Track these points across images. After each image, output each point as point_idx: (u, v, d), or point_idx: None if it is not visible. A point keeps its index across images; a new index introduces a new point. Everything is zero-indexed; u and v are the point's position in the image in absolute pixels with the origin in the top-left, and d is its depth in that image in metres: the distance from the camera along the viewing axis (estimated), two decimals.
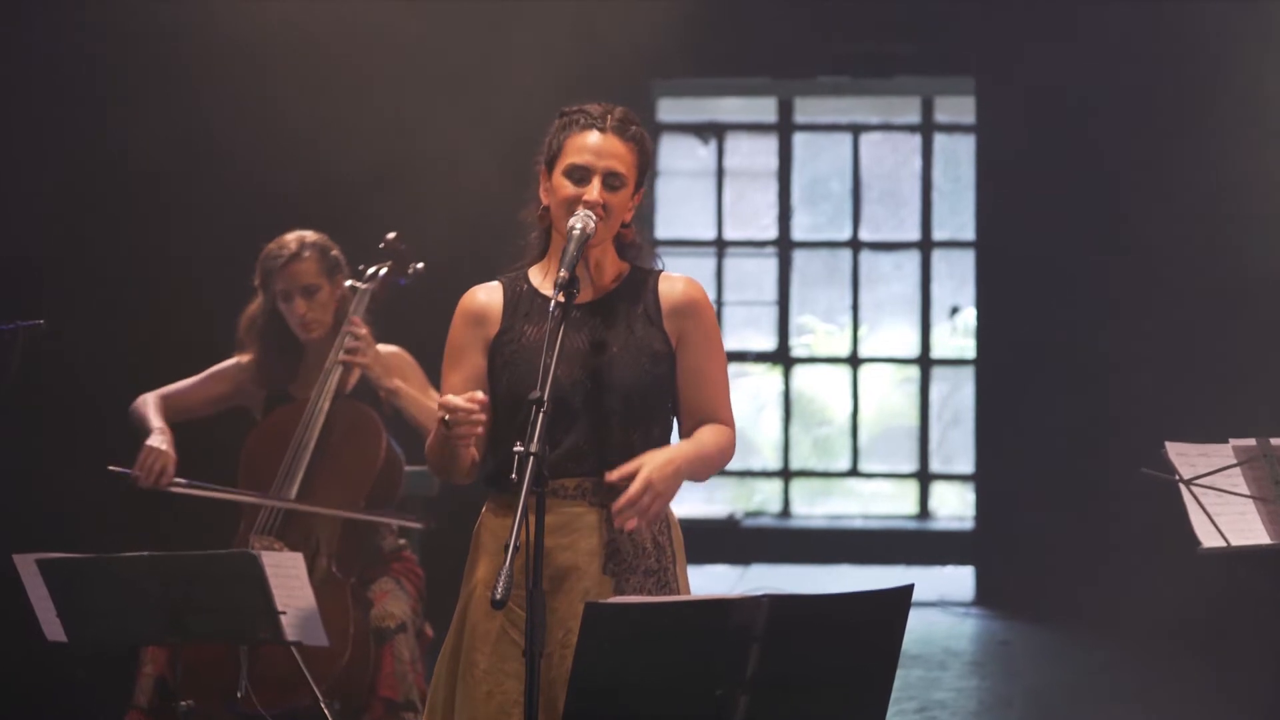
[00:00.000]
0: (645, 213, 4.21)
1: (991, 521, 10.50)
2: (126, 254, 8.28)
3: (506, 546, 3.58)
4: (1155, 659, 8.56)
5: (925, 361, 12.39)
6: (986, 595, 10.35)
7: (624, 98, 4.26)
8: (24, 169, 8.10)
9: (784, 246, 12.45)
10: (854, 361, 12.64)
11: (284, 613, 4.79)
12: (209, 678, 5.26)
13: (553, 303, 3.85)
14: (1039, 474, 9.96)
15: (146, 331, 8.14)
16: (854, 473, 12.73)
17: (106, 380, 7.94)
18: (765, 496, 12.80)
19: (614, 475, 3.90)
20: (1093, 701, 8.09)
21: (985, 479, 10.73)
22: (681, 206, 12.59)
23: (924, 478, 12.51)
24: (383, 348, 5.74)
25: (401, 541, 5.79)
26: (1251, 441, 4.49)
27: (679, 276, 4.15)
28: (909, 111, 12.31)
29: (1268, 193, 9.07)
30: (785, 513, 12.61)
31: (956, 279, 12.41)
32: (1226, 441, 4.53)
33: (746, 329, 12.74)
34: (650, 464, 3.91)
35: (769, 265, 12.51)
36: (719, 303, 12.39)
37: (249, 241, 5.92)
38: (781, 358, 12.64)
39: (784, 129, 12.37)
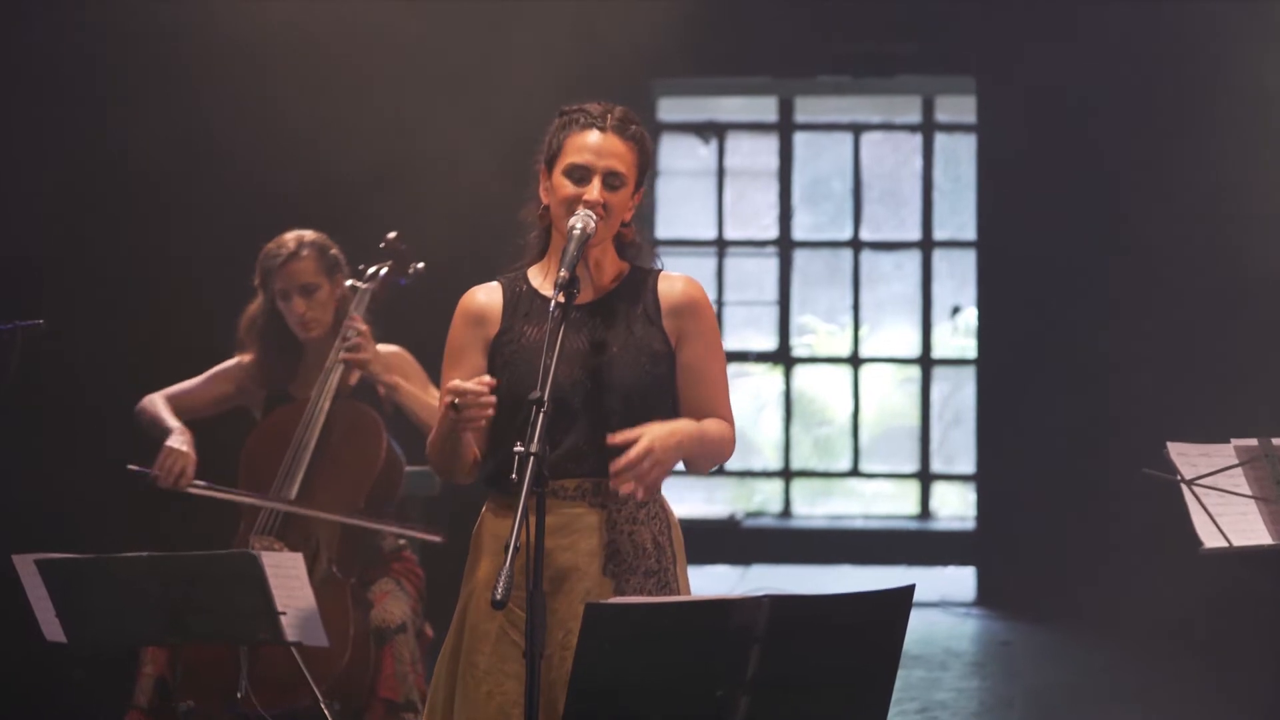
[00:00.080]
0: (646, 212, 4.20)
1: (993, 522, 10.50)
2: (126, 254, 8.28)
3: (507, 547, 3.57)
4: (1156, 659, 8.56)
5: (926, 361, 12.38)
6: (987, 596, 10.35)
7: (624, 97, 4.25)
8: (24, 169, 8.10)
9: (785, 246, 12.44)
10: (855, 361, 12.64)
11: (284, 613, 4.78)
12: (209, 678, 5.26)
13: (553, 303, 3.85)
14: (1040, 474, 9.95)
15: (146, 331, 8.14)
16: (855, 473, 12.73)
17: (106, 380, 7.96)
18: (766, 497, 12.80)
19: (616, 439, 3.89)
20: (1093, 702, 8.08)
21: (986, 479, 10.72)
22: (682, 206, 12.58)
23: (925, 478, 12.50)
24: (383, 347, 5.73)
25: (401, 542, 5.78)
26: (1253, 441, 4.48)
27: (678, 276, 4.14)
28: (910, 111, 12.31)
29: (1268, 193, 9.07)
30: (786, 513, 12.60)
31: (957, 279, 12.41)
32: (1227, 441, 4.53)
33: (747, 329, 12.73)
34: (652, 431, 3.90)
35: (770, 265, 12.51)
36: (719, 303, 12.39)
37: (249, 241, 5.92)
38: (782, 358, 12.64)
39: (785, 128, 12.36)
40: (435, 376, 4.97)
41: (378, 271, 5.87)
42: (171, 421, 5.67)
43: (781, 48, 10.50)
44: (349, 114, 8.42)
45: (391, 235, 5.93)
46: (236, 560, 4.82)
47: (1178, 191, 9.49)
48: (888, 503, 12.80)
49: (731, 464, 12.51)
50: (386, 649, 5.51)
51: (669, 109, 12.27)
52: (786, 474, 12.64)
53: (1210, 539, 4.48)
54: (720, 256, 12.52)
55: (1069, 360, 9.90)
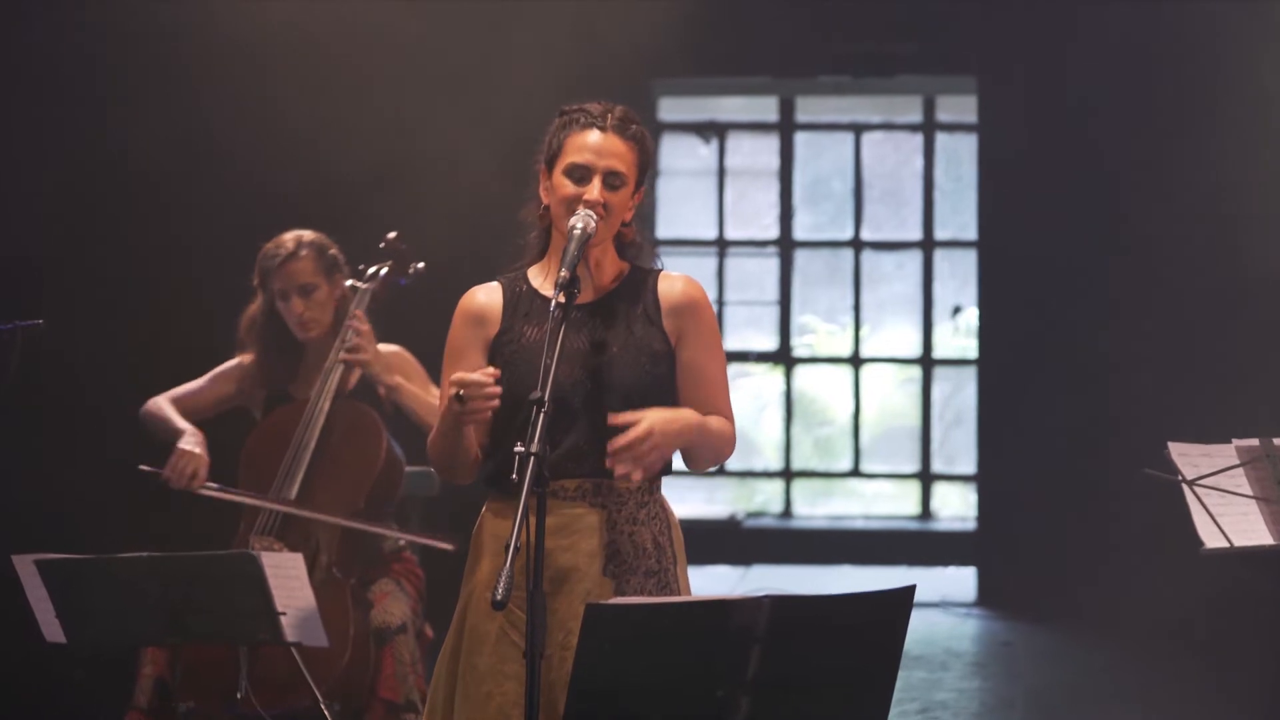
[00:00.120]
0: (646, 212, 4.20)
1: (993, 522, 10.49)
2: (126, 254, 8.28)
3: (507, 547, 3.57)
4: (1156, 659, 8.56)
5: (927, 361, 12.37)
6: (988, 596, 10.34)
7: (624, 97, 4.25)
8: (24, 169, 8.10)
9: (785, 246, 12.44)
10: (856, 361, 12.63)
11: (284, 613, 4.78)
12: (209, 679, 5.26)
13: (553, 303, 3.84)
14: (1041, 474, 9.95)
15: (146, 331, 8.14)
16: (855, 473, 12.72)
17: (106, 380, 7.96)
18: (767, 497, 12.79)
19: (617, 419, 3.89)
20: (1094, 702, 8.08)
21: (987, 479, 10.72)
22: (683, 206, 12.57)
23: (926, 478, 12.49)
24: (383, 347, 5.73)
25: (402, 542, 5.78)
26: (1255, 442, 4.48)
27: (678, 276, 4.14)
28: (911, 111, 12.30)
29: (1268, 193, 9.07)
30: (787, 513, 12.59)
31: (958, 279, 12.40)
32: (1228, 441, 4.52)
33: (748, 329, 12.73)
34: (653, 415, 3.90)
35: (770, 265, 12.50)
36: (720, 303, 12.39)
37: (249, 241, 5.92)
38: (783, 358, 12.63)
39: (785, 128, 12.36)
40: (435, 376, 4.97)
41: (378, 271, 5.87)
42: (182, 423, 5.68)
43: (782, 47, 10.50)
44: (349, 114, 8.42)
45: (391, 235, 5.92)
46: (236, 560, 4.82)
47: (1178, 191, 9.49)
48: (888, 503, 12.79)
49: (732, 464, 12.51)
50: (386, 649, 5.51)
51: (669, 109, 12.26)
52: (787, 474, 12.63)
53: (1211, 539, 4.47)
54: (721, 256, 12.51)
55: (1070, 360, 9.90)
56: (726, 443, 4.08)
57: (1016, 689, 8.50)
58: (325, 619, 4.89)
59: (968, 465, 11.79)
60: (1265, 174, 9.09)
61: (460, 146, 8.22)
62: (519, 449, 3.66)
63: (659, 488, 4.12)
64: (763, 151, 12.48)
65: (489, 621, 3.99)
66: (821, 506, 12.87)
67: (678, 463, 4.14)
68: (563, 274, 3.87)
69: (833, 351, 13.01)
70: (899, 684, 3.73)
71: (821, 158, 12.67)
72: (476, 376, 3.85)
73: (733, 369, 11.17)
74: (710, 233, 12.49)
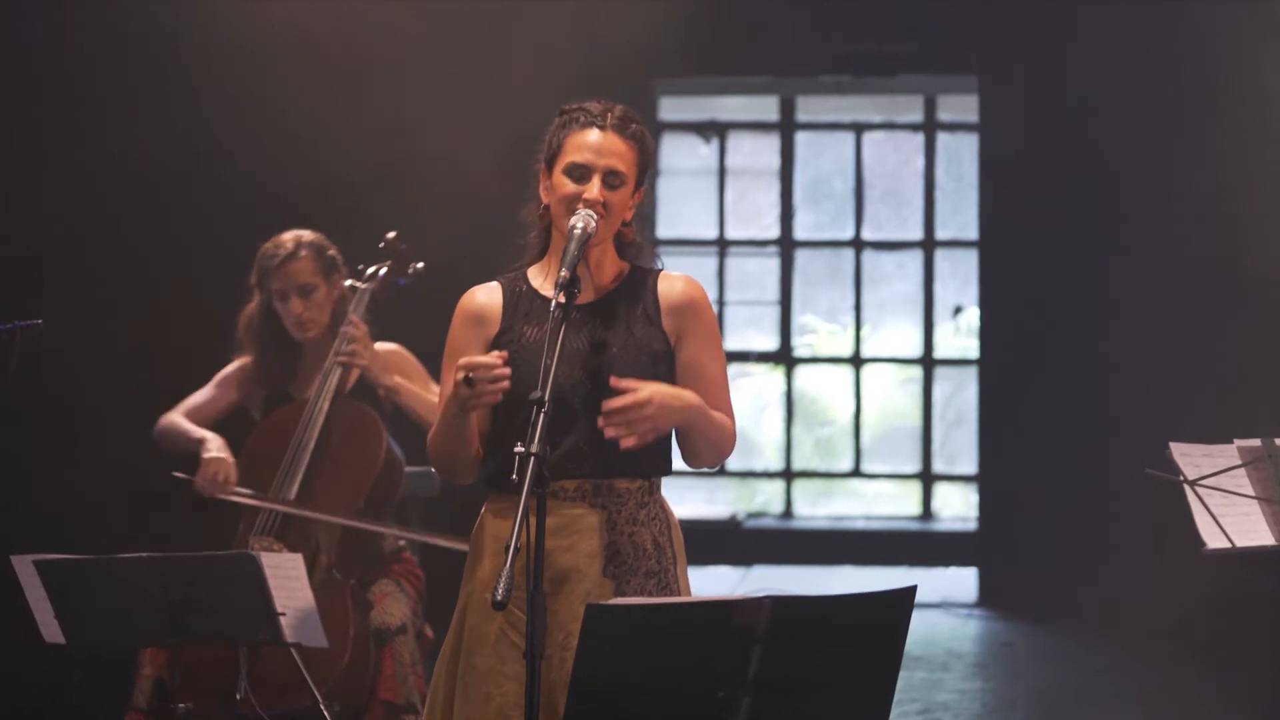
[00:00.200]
0: (646, 212, 4.19)
1: (995, 522, 10.48)
2: (126, 254, 8.28)
3: (507, 548, 3.56)
4: (1157, 660, 8.55)
5: (928, 361, 12.37)
6: (990, 596, 10.33)
7: (625, 97, 4.24)
8: (24, 169, 8.10)
9: (786, 246, 12.43)
10: (856, 361, 12.63)
11: (283, 614, 4.77)
12: (208, 679, 5.25)
13: (554, 303, 3.84)
14: (1043, 474, 9.94)
15: (146, 331, 8.14)
16: (856, 473, 12.71)
17: (106, 380, 7.96)
18: (767, 497, 12.79)
19: (619, 384, 3.88)
20: (1095, 703, 8.08)
21: (988, 480, 10.71)
22: (683, 206, 12.57)
23: (927, 478, 12.49)
24: (381, 345, 5.73)
25: (401, 543, 5.77)
26: (1257, 442, 4.47)
27: (678, 275, 4.13)
28: (912, 110, 12.29)
29: (1268, 193, 9.07)
30: (787, 514, 12.59)
31: (960, 278, 12.40)
32: (1229, 441, 4.51)
33: (748, 329, 12.72)
34: (656, 386, 3.90)
35: (771, 265, 12.50)
36: (721, 302, 12.38)
37: (249, 241, 5.91)
38: (784, 358, 12.62)
39: (786, 128, 12.35)
40: (435, 376, 4.96)
41: (377, 271, 5.86)
42: (201, 432, 5.68)
43: (783, 47, 10.49)
44: (349, 114, 8.42)
45: (391, 235, 5.92)
46: (236, 561, 4.81)
47: (1178, 191, 9.49)
48: (889, 503, 12.78)
49: (733, 464, 12.50)
50: (386, 650, 5.50)
51: (670, 108, 12.26)
52: (788, 474, 12.62)
53: (1213, 540, 4.46)
54: (721, 256, 12.51)
55: (1071, 360, 9.89)
56: (727, 437, 4.07)
57: (1018, 690, 8.49)
58: (325, 620, 4.88)
59: (969, 465, 11.78)
60: (1265, 174, 9.09)
61: (460, 146, 8.22)
62: (519, 449, 3.65)
63: (659, 488, 4.11)
64: (763, 151, 12.48)
65: (489, 622, 3.98)
66: (822, 507, 12.86)
67: (678, 462, 4.13)
68: (563, 274, 3.86)
69: (833, 351, 13.00)
70: (900, 685, 3.73)
71: (822, 157, 12.66)
72: (486, 359, 3.85)
73: (733, 369, 11.17)
74: (711, 232, 12.49)
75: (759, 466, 12.91)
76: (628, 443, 3.87)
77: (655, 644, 3.45)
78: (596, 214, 3.97)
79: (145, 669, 5.44)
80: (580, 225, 3.94)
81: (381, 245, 5.91)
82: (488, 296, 4.12)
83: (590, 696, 3.43)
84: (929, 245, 12.26)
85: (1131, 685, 8.30)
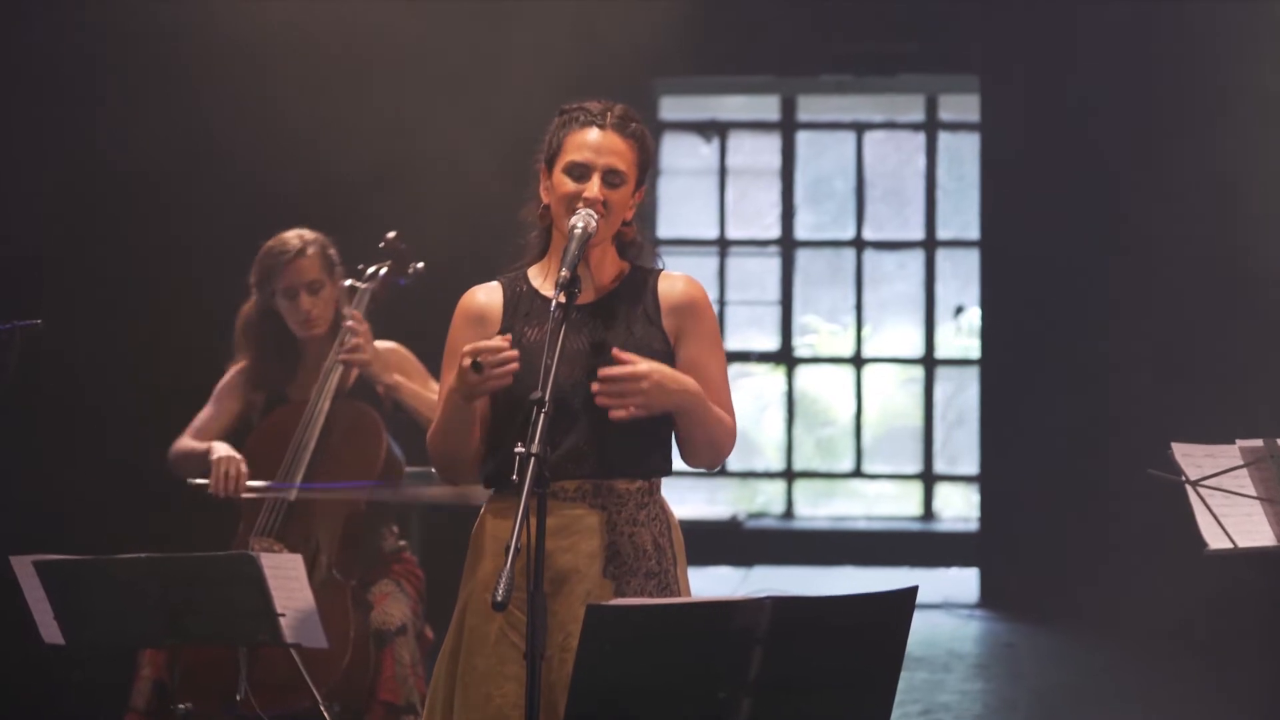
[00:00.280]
0: (647, 212, 4.19)
1: (996, 523, 10.48)
2: (126, 254, 8.27)
3: (507, 549, 3.55)
4: (1158, 660, 8.55)
5: (929, 361, 12.36)
6: (991, 597, 10.33)
7: (625, 97, 4.23)
8: (24, 169, 8.10)
9: (787, 246, 12.43)
10: (857, 362, 12.62)
11: (283, 615, 4.76)
12: (207, 680, 5.24)
13: (554, 303, 3.83)
14: (1044, 475, 9.94)
15: (146, 331, 8.14)
16: (857, 474, 12.71)
17: (106, 380, 7.96)
18: (768, 498, 12.78)
19: (619, 355, 3.87)
20: (1096, 703, 8.08)
21: (990, 480, 10.70)
22: (684, 205, 12.57)
23: (928, 479, 12.48)
24: (380, 344, 5.71)
25: (402, 543, 5.77)
26: (1259, 442, 4.46)
27: (679, 275, 4.13)
28: (913, 110, 12.29)
29: (1268, 193, 9.06)
30: (788, 514, 12.59)
31: (961, 278, 12.39)
32: (1229, 441, 4.51)
33: (749, 329, 12.72)
34: (657, 364, 3.90)
35: (772, 265, 12.49)
36: (721, 302, 12.38)
37: (249, 241, 5.90)
38: (784, 358, 12.62)
39: (787, 127, 12.35)
40: (435, 376, 4.95)
41: (377, 271, 5.86)
42: (207, 443, 5.65)
43: (783, 47, 10.49)
44: (349, 114, 8.41)
45: (391, 235, 5.91)
46: (236, 562, 4.80)
47: (1178, 191, 9.48)
48: (890, 504, 12.78)
49: (733, 465, 12.50)
50: (386, 651, 5.49)
51: (670, 108, 12.25)
52: (789, 475, 12.62)
53: (1215, 540, 4.46)
54: (722, 256, 12.50)
55: (1072, 360, 9.89)
56: (726, 435, 4.06)
57: (1019, 690, 8.49)
58: (325, 620, 4.87)
59: (970, 466, 11.78)
60: (1265, 174, 9.08)
61: (460, 146, 8.21)
62: (519, 450, 3.64)
63: (659, 489, 4.10)
64: (764, 151, 12.47)
65: (489, 623, 3.97)
66: (823, 507, 12.86)
67: (679, 463, 4.12)
68: (563, 274, 3.86)
69: (834, 351, 12.99)
70: (901, 685, 3.72)
71: (823, 157, 12.66)
72: (492, 343, 3.84)
73: (734, 369, 11.17)
74: (711, 232, 12.49)
75: (760, 467, 12.91)
76: (617, 414, 3.86)
77: (656, 645, 3.44)
78: (596, 213, 3.96)
79: (145, 670, 5.43)
80: (580, 225, 3.94)
81: (381, 245, 5.90)
82: (488, 296, 4.11)
83: (590, 697, 3.43)
84: (930, 245, 12.26)
85: (1132, 685, 8.30)
